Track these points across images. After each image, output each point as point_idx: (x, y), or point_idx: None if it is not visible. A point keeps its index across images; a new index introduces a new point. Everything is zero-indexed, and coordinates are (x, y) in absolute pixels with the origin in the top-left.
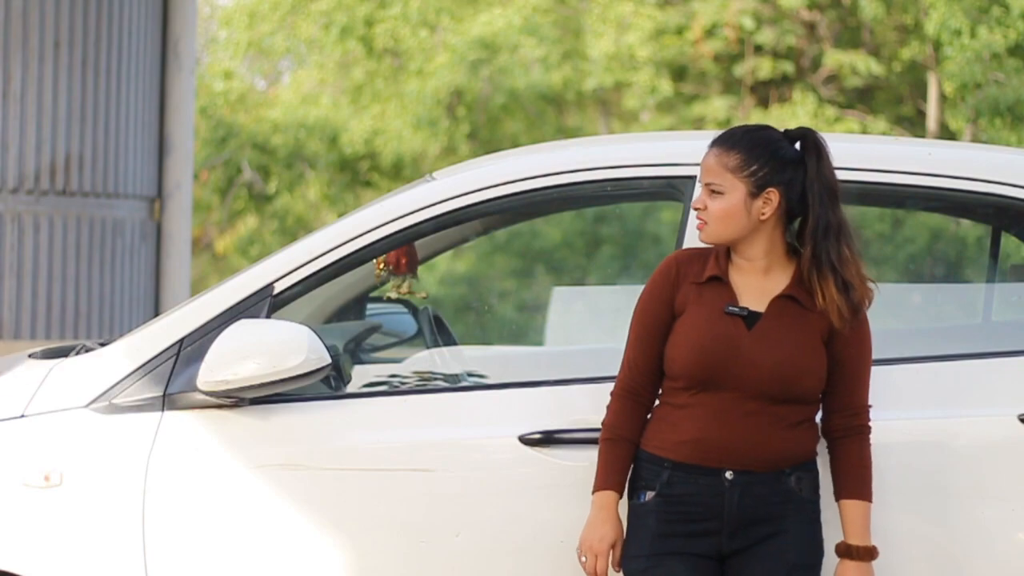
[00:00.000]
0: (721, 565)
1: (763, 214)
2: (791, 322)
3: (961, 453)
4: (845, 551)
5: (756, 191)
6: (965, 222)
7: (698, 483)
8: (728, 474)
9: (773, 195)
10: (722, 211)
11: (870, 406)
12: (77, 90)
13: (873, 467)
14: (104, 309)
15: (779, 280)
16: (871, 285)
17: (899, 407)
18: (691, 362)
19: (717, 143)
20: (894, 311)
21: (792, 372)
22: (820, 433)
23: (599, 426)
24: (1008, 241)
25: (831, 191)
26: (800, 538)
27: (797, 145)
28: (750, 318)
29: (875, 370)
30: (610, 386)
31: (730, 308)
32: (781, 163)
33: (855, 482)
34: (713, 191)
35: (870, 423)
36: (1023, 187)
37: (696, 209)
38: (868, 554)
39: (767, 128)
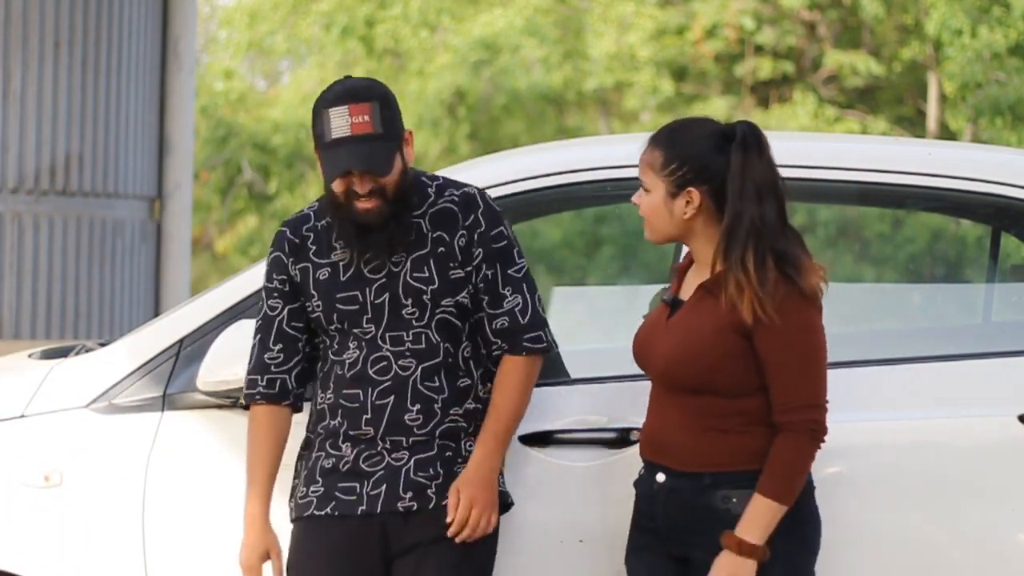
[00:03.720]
0: (684, 565)
1: (686, 214)
2: (701, 311)
3: (961, 453)
4: (722, 537)
5: (676, 191)
6: (965, 222)
7: (646, 483)
8: (660, 477)
9: (694, 196)
10: (648, 210)
11: (813, 405)
12: (77, 90)
13: (876, 467)
14: (104, 309)
15: (709, 273)
16: (823, 285)
17: (899, 407)
18: (632, 350)
19: (651, 139)
20: (894, 311)
21: (681, 358)
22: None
23: (599, 426)
24: (1008, 241)
25: (760, 187)
26: None
27: (734, 141)
28: (675, 307)
29: (876, 370)
30: (610, 386)
31: (664, 297)
32: (704, 162)
33: (764, 477)
34: (644, 188)
35: (808, 423)
36: (1023, 187)
37: (636, 205)
38: (736, 546)
39: (698, 123)
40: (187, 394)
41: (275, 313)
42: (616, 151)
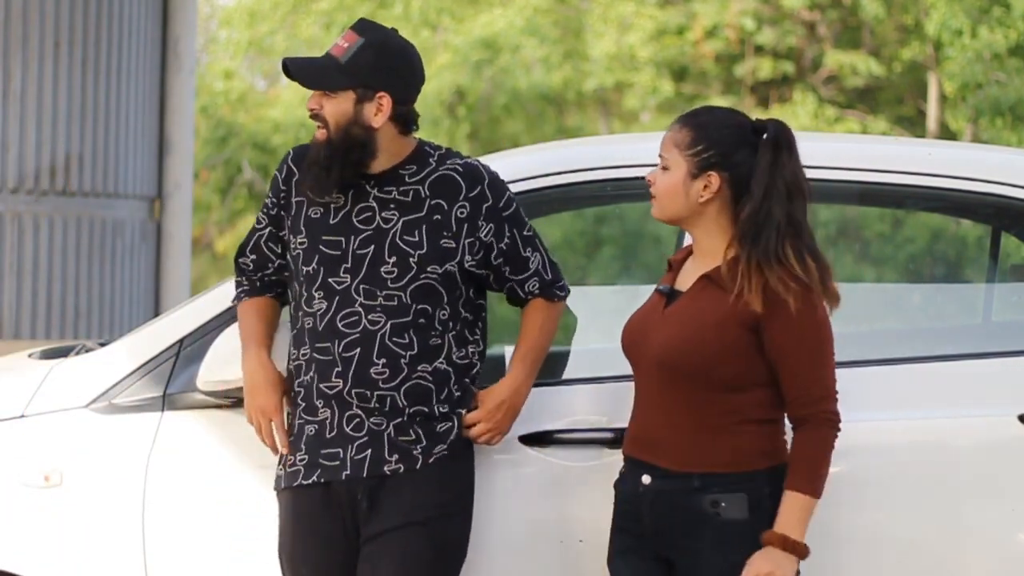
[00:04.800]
0: (670, 568)
1: (701, 197)
2: (703, 302)
3: (961, 453)
4: (761, 536)
5: (697, 172)
6: (965, 222)
7: (629, 482)
8: (645, 479)
9: (713, 179)
10: (663, 187)
11: (828, 396)
12: (77, 90)
13: (877, 467)
14: (104, 309)
15: (714, 261)
16: (836, 290)
17: (899, 407)
18: (621, 342)
19: (679, 118)
20: (894, 311)
21: (681, 347)
22: (762, 451)
23: (599, 426)
24: (1008, 241)
25: (790, 185)
26: (712, 567)
27: (764, 136)
28: (672, 298)
29: (877, 370)
30: (610, 386)
31: (659, 288)
32: (732, 149)
33: (793, 472)
34: (663, 166)
35: (826, 414)
36: (1023, 187)
37: (648, 183)
38: (781, 542)
39: (733, 113)
40: (187, 394)
41: (260, 227)
42: (616, 151)
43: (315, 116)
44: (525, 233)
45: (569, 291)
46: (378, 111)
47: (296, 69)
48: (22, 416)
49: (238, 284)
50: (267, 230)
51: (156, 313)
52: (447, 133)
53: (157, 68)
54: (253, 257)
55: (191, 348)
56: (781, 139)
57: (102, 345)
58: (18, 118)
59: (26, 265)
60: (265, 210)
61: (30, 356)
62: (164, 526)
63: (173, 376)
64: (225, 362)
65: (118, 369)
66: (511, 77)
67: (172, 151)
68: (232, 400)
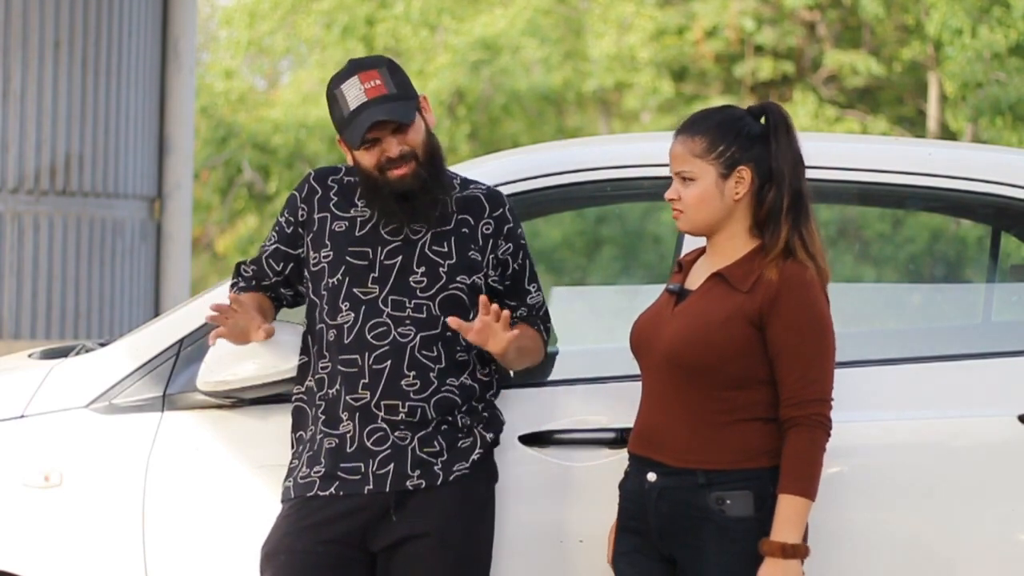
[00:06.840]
0: (674, 567)
1: (737, 194)
2: (712, 299)
3: (961, 453)
4: (760, 546)
5: (727, 172)
6: (965, 222)
7: (635, 480)
8: (651, 476)
9: (745, 173)
10: (696, 197)
11: (822, 400)
12: (77, 90)
13: (876, 467)
14: (104, 309)
15: (727, 260)
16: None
17: (900, 407)
18: (629, 341)
19: (681, 131)
20: (894, 311)
21: (690, 341)
22: (765, 449)
23: (599, 426)
24: (1008, 241)
25: (800, 164)
26: (717, 565)
27: (762, 120)
28: (682, 297)
29: (875, 370)
30: (610, 386)
31: (669, 287)
32: (748, 140)
33: (784, 475)
34: (685, 179)
35: (819, 417)
36: (1023, 187)
37: (671, 200)
38: (780, 551)
39: (729, 107)
40: (187, 394)
41: (267, 243)
42: (616, 151)
43: (401, 157)
44: (533, 270)
45: (552, 335)
46: (427, 111)
47: (388, 115)
48: (22, 416)
49: (233, 285)
50: (273, 247)
51: (156, 313)
52: (447, 133)
53: (157, 68)
54: (254, 268)
55: (191, 348)
56: (784, 118)
57: (102, 345)
58: (18, 118)
59: (26, 265)
60: (278, 228)
61: (30, 356)
62: (164, 526)
63: (173, 376)
64: (225, 362)
65: (118, 369)
66: (511, 77)
67: (172, 151)
68: (232, 400)
